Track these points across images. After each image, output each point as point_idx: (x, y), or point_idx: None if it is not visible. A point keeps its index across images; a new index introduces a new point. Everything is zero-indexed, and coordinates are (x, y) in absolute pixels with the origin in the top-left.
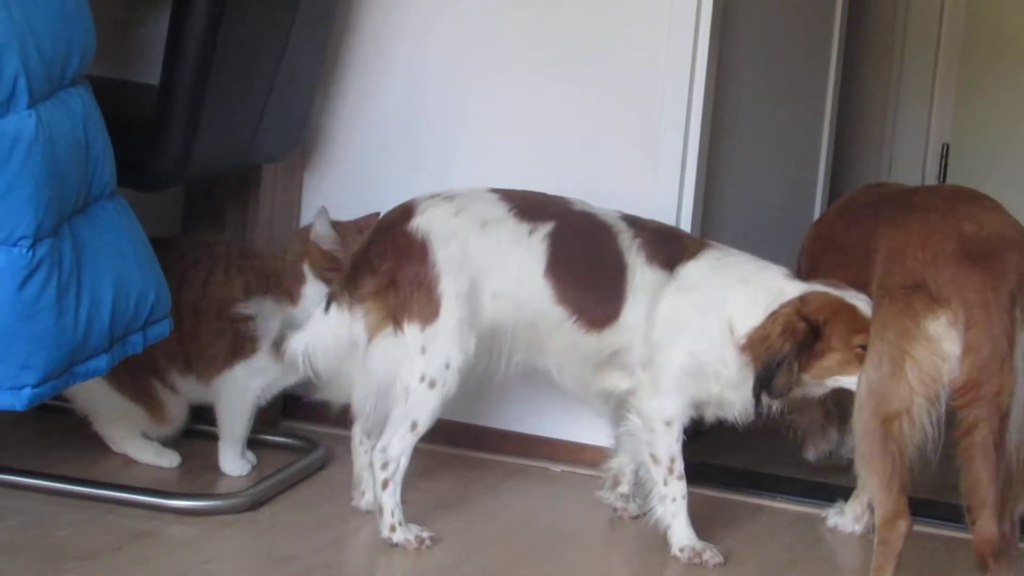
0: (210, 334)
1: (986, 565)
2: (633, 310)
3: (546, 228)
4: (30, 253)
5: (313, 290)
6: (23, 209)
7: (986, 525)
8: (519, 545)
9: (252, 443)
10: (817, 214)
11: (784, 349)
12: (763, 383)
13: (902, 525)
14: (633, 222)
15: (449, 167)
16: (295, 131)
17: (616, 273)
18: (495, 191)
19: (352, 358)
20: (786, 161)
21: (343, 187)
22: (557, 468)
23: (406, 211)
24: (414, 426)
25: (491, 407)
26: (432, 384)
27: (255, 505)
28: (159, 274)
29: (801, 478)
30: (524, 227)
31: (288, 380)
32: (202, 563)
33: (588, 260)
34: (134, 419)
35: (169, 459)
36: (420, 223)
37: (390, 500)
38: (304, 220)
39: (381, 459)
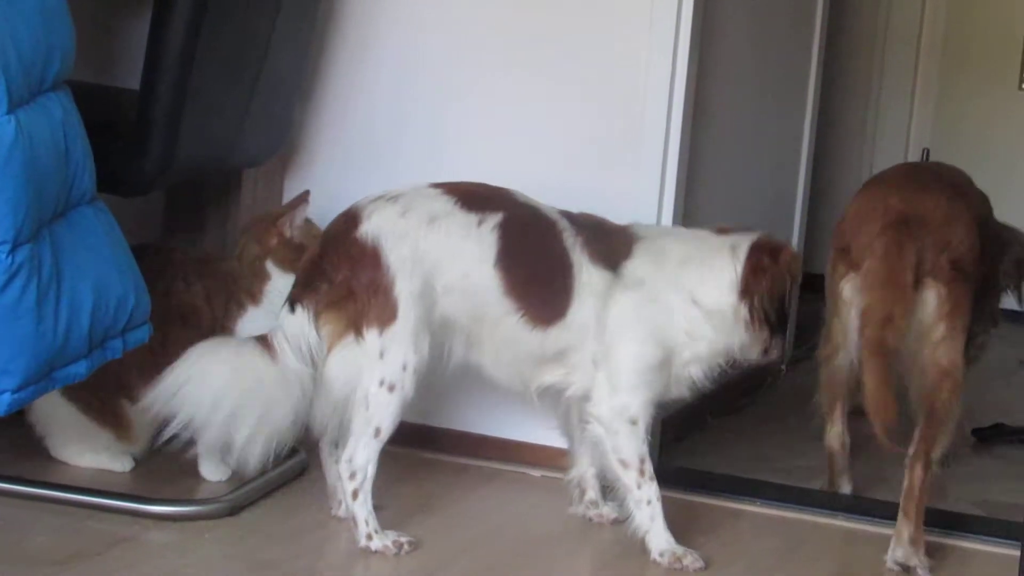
0: (178, 344)
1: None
2: (580, 310)
3: (495, 219)
4: (9, 258)
5: (281, 284)
6: (2, 214)
7: None
8: (498, 551)
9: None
10: (798, 217)
11: (786, 281)
12: (780, 316)
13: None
14: (572, 219)
15: (430, 169)
16: (276, 135)
17: (562, 271)
18: (437, 186)
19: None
20: (767, 163)
21: (323, 191)
22: (536, 473)
23: (352, 218)
24: (377, 432)
25: (470, 412)
26: (391, 388)
27: (235, 510)
28: (139, 279)
29: (780, 483)
30: (472, 218)
31: None
32: (182, 568)
33: (535, 254)
34: (97, 441)
35: (122, 463)
36: (368, 229)
37: (362, 510)
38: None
39: (348, 470)
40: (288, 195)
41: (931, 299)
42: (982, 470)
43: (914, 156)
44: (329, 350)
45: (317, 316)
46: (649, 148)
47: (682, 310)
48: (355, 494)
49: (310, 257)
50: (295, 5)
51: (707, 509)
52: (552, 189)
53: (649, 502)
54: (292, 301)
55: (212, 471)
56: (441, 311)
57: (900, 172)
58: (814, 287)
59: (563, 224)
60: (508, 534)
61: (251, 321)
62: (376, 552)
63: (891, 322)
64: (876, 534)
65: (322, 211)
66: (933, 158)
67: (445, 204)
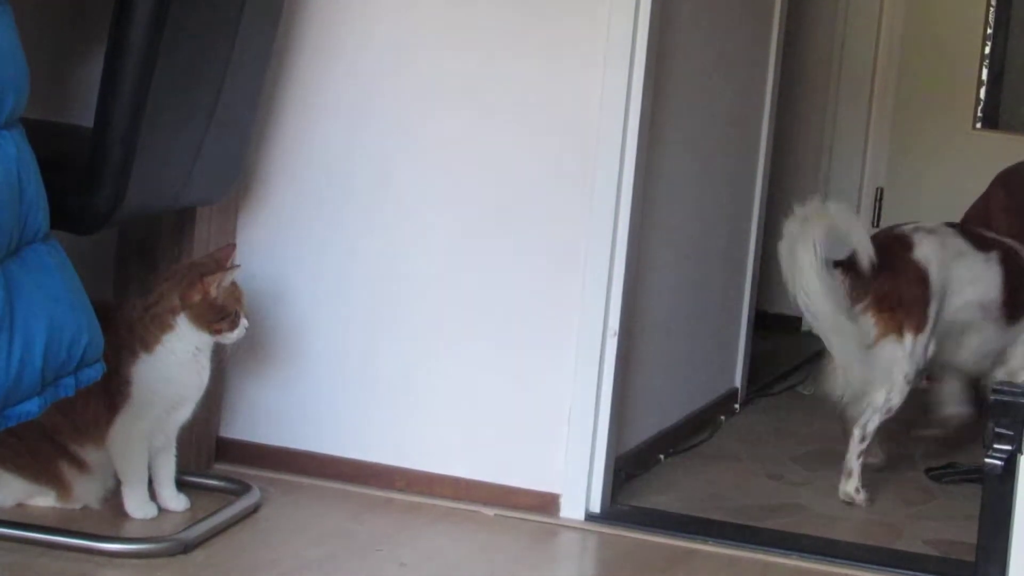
0: (81, 397)
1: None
2: None
3: (994, 256)
4: None
5: (184, 341)
6: None
7: None
8: None
9: (185, 486)
10: (752, 256)
11: None
12: None
13: None
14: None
15: (382, 204)
16: (230, 173)
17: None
18: (950, 225)
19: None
20: (721, 201)
21: (277, 229)
22: (489, 512)
23: (904, 242)
24: (889, 411)
25: (423, 449)
26: (908, 382)
27: (188, 548)
28: (92, 317)
29: (733, 521)
30: (981, 256)
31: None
32: None
33: (1016, 276)
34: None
35: (44, 496)
36: (920, 254)
37: (857, 466)
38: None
39: (860, 434)
40: (241, 235)
41: None
42: (935, 510)
43: (868, 195)
44: (876, 342)
45: (869, 313)
46: (603, 185)
47: None
48: (860, 454)
49: (875, 274)
50: (249, 47)
51: (660, 548)
52: (504, 223)
53: None
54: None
55: (138, 510)
56: (942, 325)
57: None
58: (766, 325)
59: None
60: (461, 574)
61: (145, 368)
62: (854, 503)
63: None
64: (829, 573)
65: (277, 246)
66: (887, 198)
67: (962, 243)
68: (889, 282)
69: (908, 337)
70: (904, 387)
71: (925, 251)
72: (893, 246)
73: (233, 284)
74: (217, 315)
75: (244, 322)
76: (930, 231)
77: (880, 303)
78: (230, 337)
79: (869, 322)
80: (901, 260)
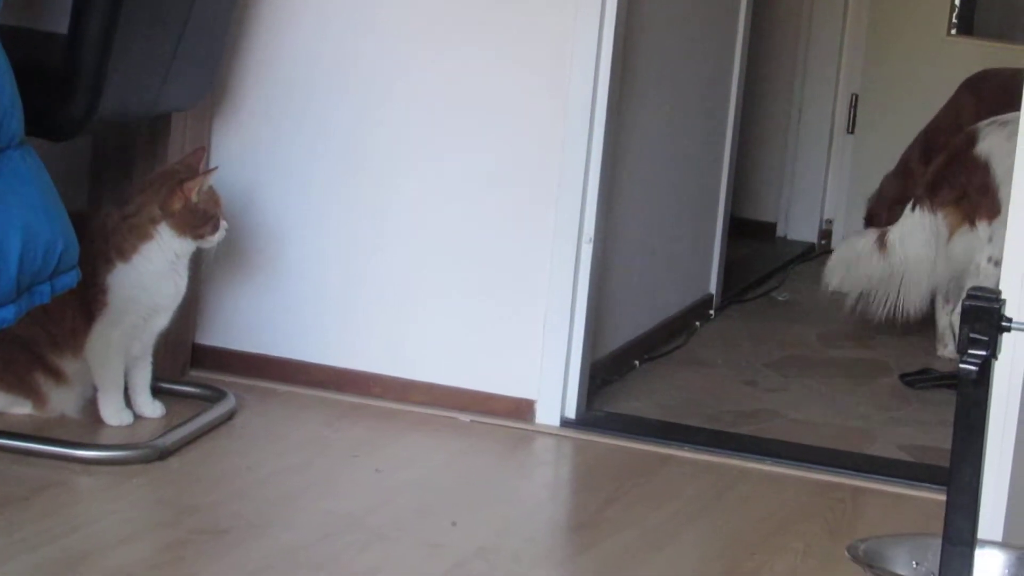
0: (57, 307)
1: None
2: None
3: None
4: None
5: (165, 250)
6: None
7: None
8: (427, 497)
9: (160, 392)
10: (727, 162)
11: None
12: None
13: None
14: None
15: (362, 115)
16: (205, 78)
17: None
18: None
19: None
20: (696, 111)
21: (253, 134)
22: (465, 418)
23: (971, 138)
24: None
25: (399, 356)
26: (996, 263)
27: (164, 455)
28: (67, 224)
29: (708, 427)
30: None
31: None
32: (111, 513)
33: None
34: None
35: (21, 406)
36: (982, 148)
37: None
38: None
39: (951, 307)
40: (216, 140)
41: None
42: (909, 415)
43: (843, 102)
44: (950, 236)
45: (938, 211)
46: (577, 89)
47: None
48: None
49: (935, 169)
50: None
51: (636, 454)
52: (482, 127)
53: None
54: (913, 203)
55: (113, 416)
56: None
57: None
58: (742, 231)
59: None
60: (437, 480)
61: (121, 277)
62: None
63: None
64: (803, 479)
65: (250, 153)
66: (862, 104)
67: None
68: (951, 178)
69: (981, 225)
70: (991, 270)
71: (988, 143)
72: (959, 144)
73: (211, 188)
74: (199, 220)
75: (224, 224)
76: (1003, 123)
77: (945, 198)
78: (212, 241)
79: (941, 220)
80: (964, 155)
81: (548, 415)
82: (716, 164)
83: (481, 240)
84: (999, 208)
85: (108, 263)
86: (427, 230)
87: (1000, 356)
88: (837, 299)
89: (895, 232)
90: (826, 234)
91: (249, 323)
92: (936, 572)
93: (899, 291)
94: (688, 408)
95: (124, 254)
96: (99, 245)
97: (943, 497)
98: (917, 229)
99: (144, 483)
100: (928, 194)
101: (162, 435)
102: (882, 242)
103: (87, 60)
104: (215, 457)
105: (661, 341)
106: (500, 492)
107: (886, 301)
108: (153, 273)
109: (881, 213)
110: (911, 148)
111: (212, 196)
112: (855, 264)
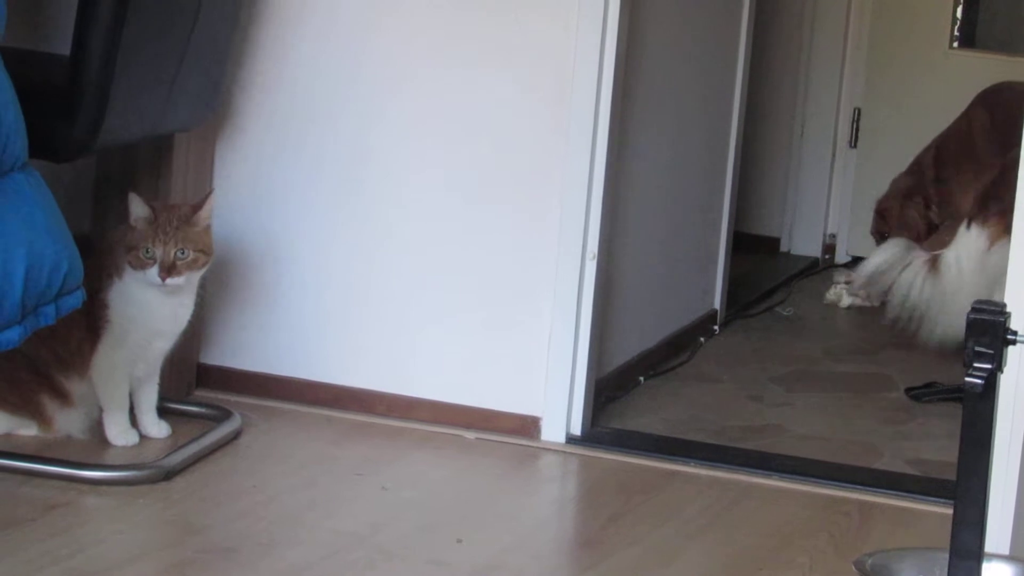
0: (63, 327)
1: None
2: None
3: None
4: None
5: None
6: None
7: None
8: (432, 513)
9: (165, 412)
10: (730, 177)
11: None
12: None
13: None
14: None
15: (364, 133)
16: (208, 99)
17: None
18: None
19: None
20: (698, 126)
21: (256, 155)
22: (470, 436)
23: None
24: None
25: (404, 374)
26: None
27: (170, 475)
28: (72, 246)
29: (713, 443)
30: None
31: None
32: (117, 533)
33: None
34: (18, 429)
35: (27, 427)
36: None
37: None
38: (217, 189)
39: None
40: (220, 161)
41: None
42: (915, 429)
43: (845, 116)
44: (990, 247)
45: (986, 223)
46: (579, 122)
47: None
48: None
49: (983, 187)
50: None
51: (640, 470)
52: (484, 144)
53: None
54: (969, 220)
55: (118, 436)
56: None
57: None
58: (745, 246)
59: None
60: (443, 497)
61: (118, 293)
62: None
63: None
64: (810, 494)
65: (254, 175)
66: (864, 118)
67: None
68: (1001, 194)
69: None
70: None
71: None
72: (1010, 162)
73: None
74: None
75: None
76: None
77: (993, 211)
78: (149, 276)
79: (982, 233)
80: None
81: (553, 432)
82: (719, 179)
83: (485, 257)
84: None
85: (108, 279)
86: (430, 248)
87: (1006, 369)
88: (848, 315)
89: (951, 253)
90: (830, 248)
91: (254, 343)
92: None
93: (954, 313)
94: (694, 424)
95: (119, 270)
96: (103, 260)
97: (950, 511)
98: (973, 248)
99: (150, 503)
100: (980, 211)
101: (168, 455)
102: (934, 263)
103: (90, 82)
104: (221, 476)
105: (666, 357)
106: (506, 509)
107: (935, 325)
108: (144, 293)
109: (892, 206)
110: (925, 152)
111: (147, 228)
112: (900, 283)
